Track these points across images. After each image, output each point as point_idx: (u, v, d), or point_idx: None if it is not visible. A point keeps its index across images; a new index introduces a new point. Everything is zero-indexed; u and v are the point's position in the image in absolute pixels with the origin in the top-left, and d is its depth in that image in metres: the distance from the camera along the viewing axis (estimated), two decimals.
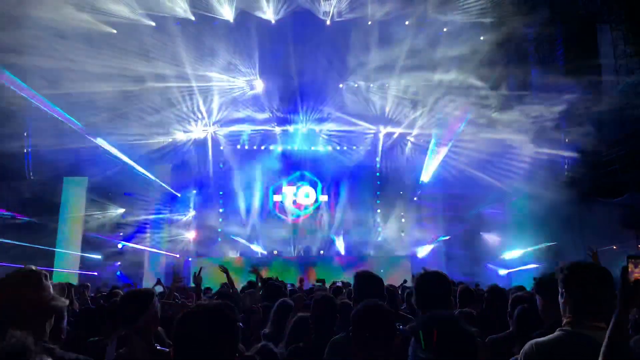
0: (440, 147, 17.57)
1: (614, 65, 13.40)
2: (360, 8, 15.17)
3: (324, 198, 19.84)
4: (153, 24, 14.42)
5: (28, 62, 11.34)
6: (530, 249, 15.88)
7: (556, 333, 2.24)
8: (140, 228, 17.14)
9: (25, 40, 10.92)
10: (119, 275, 16.55)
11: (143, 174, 16.26)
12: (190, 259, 17.14)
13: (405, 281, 9.36)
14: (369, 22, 15.62)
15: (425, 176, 18.64)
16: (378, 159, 19.55)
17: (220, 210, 19.34)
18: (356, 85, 17.65)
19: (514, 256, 16.56)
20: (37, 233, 13.21)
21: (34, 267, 2.31)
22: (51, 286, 2.32)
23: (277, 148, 19.59)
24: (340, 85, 17.50)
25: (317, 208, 19.80)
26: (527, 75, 14.76)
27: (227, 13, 15.00)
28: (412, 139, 18.85)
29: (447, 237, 18.11)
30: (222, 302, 1.98)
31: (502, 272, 16.62)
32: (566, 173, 14.53)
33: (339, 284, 9.50)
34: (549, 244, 14.84)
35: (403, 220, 19.60)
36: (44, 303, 2.21)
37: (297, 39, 14.58)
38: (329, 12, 15.21)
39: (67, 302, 2.59)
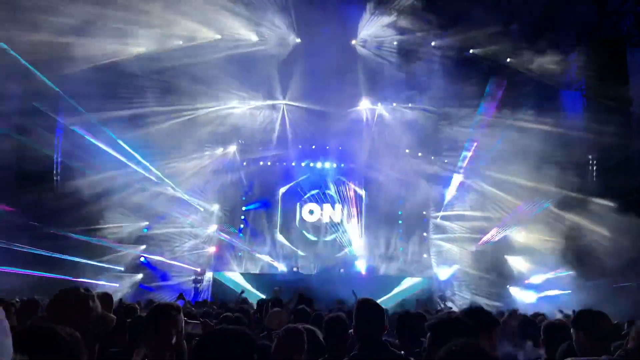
0: (465, 170, 17.46)
1: None
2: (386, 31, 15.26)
3: (345, 216, 19.79)
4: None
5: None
6: (555, 273, 15.49)
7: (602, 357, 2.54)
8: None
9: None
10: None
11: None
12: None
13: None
14: (395, 43, 15.71)
15: (450, 195, 18.50)
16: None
17: (242, 225, 19.49)
18: (378, 106, 17.78)
19: (540, 280, 16.16)
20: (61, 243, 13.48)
21: (82, 290, 2.33)
22: (99, 306, 2.34)
23: (301, 164, 19.78)
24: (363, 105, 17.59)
25: (339, 226, 19.75)
26: (556, 99, 14.60)
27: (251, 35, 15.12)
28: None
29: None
30: (240, 328, 1.96)
31: (529, 297, 16.17)
32: (592, 195, 14.18)
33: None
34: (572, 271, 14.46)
35: (425, 241, 19.39)
36: (90, 328, 2.22)
37: (321, 61, 14.65)
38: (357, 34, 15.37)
39: (115, 319, 2.59)
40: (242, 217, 19.74)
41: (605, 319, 3.01)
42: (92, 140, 13.85)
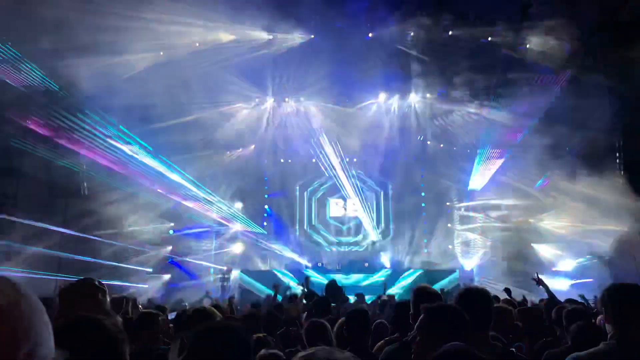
0: (491, 158, 17.22)
1: None
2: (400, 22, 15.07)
3: (368, 210, 19.77)
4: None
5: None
6: (583, 260, 15.20)
7: (600, 346, 2.34)
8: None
9: None
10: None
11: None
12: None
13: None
14: (411, 34, 15.50)
15: (474, 185, 18.32)
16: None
17: (265, 223, 19.66)
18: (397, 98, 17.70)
19: (570, 267, 15.89)
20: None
21: (95, 282, 2.33)
22: (108, 302, 2.36)
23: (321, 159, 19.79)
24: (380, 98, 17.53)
25: (363, 220, 19.75)
26: (575, 84, 14.28)
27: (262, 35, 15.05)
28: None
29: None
30: (233, 323, 1.97)
31: (560, 284, 15.90)
32: (620, 177, 13.82)
33: (385, 298, 9.43)
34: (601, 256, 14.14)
35: (449, 231, 19.24)
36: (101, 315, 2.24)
37: (337, 57, 14.53)
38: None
39: (120, 320, 2.67)
40: (265, 214, 19.91)
41: None
42: (117, 144, 14.16)
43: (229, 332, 1.81)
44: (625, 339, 2.24)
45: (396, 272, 16.80)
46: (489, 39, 14.83)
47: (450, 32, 15.24)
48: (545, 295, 6.14)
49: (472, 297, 2.76)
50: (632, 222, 12.72)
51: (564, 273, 15.99)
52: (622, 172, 13.53)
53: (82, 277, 2.45)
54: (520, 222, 16.94)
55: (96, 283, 2.36)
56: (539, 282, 5.91)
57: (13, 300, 0.80)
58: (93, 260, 13.50)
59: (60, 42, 10.95)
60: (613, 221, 13.22)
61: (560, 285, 15.76)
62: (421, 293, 3.19)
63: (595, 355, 2.31)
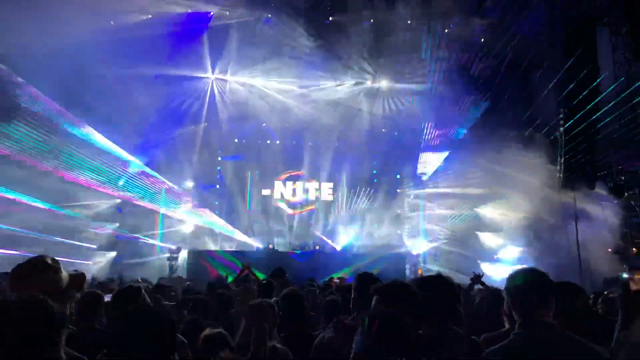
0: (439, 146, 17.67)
1: (612, 68, 13.38)
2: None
3: (321, 193, 19.90)
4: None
5: None
6: (525, 248, 15.88)
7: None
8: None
9: None
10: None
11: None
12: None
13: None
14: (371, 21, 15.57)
15: (422, 172, 18.81)
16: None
17: (216, 202, 19.43)
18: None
19: (509, 255, 16.56)
20: None
21: (48, 259, 2.27)
22: (62, 280, 2.29)
23: (276, 142, 19.69)
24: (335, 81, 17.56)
25: (314, 203, 19.88)
26: (526, 76, 14.81)
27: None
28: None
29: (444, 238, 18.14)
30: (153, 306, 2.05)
31: (499, 271, 16.58)
32: (561, 175, 14.53)
33: (336, 281, 9.55)
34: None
35: (399, 217, 19.67)
36: (55, 295, 2.12)
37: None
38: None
39: (79, 295, 2.58)
40: (216, 194, 19.67)
41: (581, 294, 2.61)
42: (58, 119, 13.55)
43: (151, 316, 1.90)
44: (529, 328, 2.09)
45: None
46: (445, 30, 15.14)
47: (409, 21, 15.44)
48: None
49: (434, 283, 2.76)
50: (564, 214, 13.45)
51: (506, 261, 16.67)
52: (561, 167, 14.21)
53: (35, 255, 2.35)
54: (465, 210, 17.48)
55: (48, 261, 2.28)
56: (476, 280, 5.67)
57: None
58: (32, 234, 12.93)
59: None
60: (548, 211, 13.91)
61: (499, 273, 16.48)
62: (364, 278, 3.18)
63: (502, 349, 2.11)
